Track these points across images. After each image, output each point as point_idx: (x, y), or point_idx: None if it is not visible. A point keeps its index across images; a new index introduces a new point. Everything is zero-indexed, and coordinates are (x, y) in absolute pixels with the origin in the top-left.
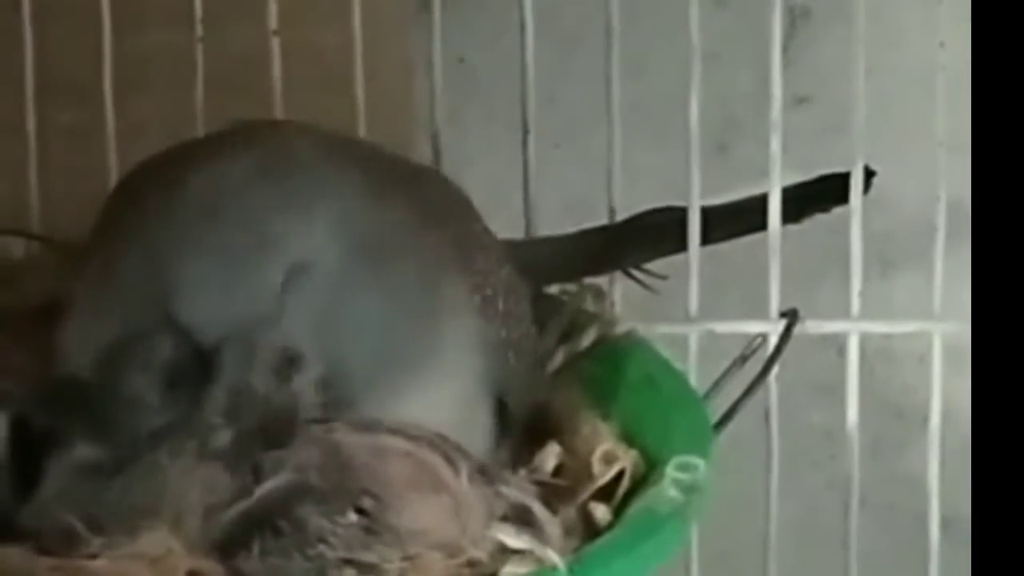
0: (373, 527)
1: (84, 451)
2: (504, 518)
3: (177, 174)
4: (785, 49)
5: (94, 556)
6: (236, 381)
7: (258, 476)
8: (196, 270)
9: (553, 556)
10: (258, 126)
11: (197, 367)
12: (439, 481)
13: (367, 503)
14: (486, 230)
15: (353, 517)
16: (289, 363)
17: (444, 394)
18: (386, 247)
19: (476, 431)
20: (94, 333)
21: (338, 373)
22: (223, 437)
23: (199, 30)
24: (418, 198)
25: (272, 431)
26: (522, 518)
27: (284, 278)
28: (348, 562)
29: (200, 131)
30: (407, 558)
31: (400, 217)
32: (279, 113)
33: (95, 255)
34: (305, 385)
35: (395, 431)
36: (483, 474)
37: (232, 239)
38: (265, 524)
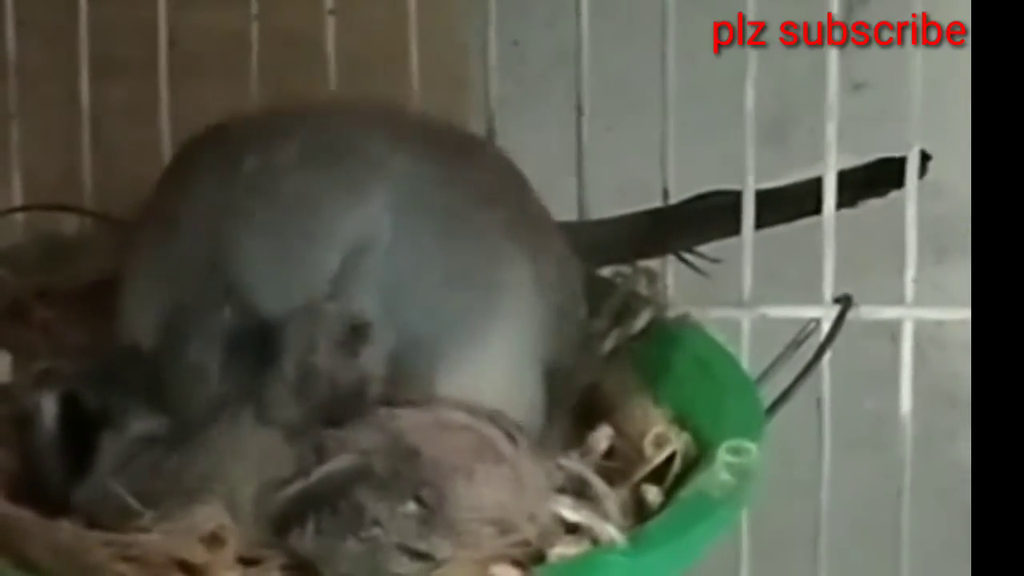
0: (430, 519)
1: (141, 425)
2: (562, 490)
3: (234, 152)
4: None
5: (146, 530)
6: (303, 356)
7: (321, 455)
8: (258, 245)
9: (612, 531)
10: (312, 102)
11: (259, 338)
12: (499, 453)
13: (427, 493)
14: (538, 202)
15: (412, 507)
16: (357, 333)
17: (500, 361)
18: (443, 221)
19: (527, 399)
20: (153, 304)
21: (405, 342)
22: (291, 412)
23: (254, 8)
24: (475, 173)
25: (339, 409)
26: (580, 491)
27: (344, 253)
28: (401, 549)
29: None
30: (459, 540)
31: (457, 192)
32: (333, 93)
33: (150, 228)
34: (374, 357)
35: (456, 406)
36: (541, 447)
37: (289, 217)
38: (323, 503)
